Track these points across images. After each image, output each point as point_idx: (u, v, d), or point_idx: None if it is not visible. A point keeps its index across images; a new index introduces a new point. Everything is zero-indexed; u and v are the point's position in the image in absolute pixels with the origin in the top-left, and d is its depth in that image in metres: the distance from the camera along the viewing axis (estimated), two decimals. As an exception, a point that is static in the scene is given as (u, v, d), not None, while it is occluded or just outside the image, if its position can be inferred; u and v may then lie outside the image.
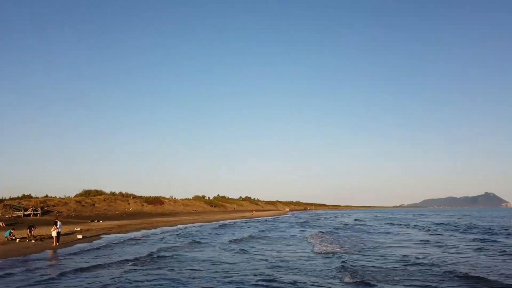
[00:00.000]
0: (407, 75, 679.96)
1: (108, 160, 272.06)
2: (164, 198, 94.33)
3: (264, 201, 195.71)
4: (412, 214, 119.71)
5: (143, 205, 77.44)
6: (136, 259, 17.22)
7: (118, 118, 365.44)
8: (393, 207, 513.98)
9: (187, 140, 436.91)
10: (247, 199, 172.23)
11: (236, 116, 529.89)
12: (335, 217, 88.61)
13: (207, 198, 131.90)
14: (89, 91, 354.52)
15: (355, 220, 66.67)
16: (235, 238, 28.15)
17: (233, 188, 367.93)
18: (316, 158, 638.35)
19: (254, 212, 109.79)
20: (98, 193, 73.59)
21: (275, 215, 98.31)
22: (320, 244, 23.69)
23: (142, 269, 14.91)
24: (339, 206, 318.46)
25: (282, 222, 59.56)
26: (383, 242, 26.47)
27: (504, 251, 20.63)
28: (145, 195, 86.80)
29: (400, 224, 51.93)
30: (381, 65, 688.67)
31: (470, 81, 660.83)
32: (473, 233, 35.12)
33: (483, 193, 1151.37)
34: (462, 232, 35.97)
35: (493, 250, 21.12)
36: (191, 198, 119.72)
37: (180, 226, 44.17)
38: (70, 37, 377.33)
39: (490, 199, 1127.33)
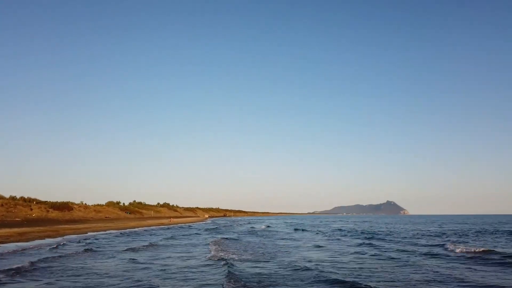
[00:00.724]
0: (325, 81, 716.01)
1: (9, 160, 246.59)
2: (73, 203, 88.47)
3: (183, 207, 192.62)
4: (319, 221, 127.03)
5: (48, 211, 71.77)
6: (12, 270, 15.71)
7: (21, 114, 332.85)
8: (307, 213, 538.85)
9: (102, 142, 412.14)
10: (166, 205, 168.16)
11: (155, 119, 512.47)
12: (249, 223, 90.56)
13: (122, 204, 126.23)
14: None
15: (267, 226, 69.02)
16: (133, 246, 27.21)
17: (151, 194, 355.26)
18: (238, 164, 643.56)
19: (172, 219, 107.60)
20: (-5, 197, 66.80)
21: (194, 222, 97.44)
22: (218, 251, 23.85)
23: (14, 282, 13.64)
24: (258, 212, 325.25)
25: (195, 228, 59.46)
26: (283, 247, 27.54)
27: (376, 254, 22.75)
28: (52, 200, 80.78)
29: (306, 230, 55.01)
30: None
31: (376, 98, 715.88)
32: (364, 238, 38.18)
33: (385, 201, 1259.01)
34: (355, 237, 38.94)
35: (370, 253, 23.01)
36: (104, 204, 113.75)
37: (90, 233, 41.94)
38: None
39: (391, 207, 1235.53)
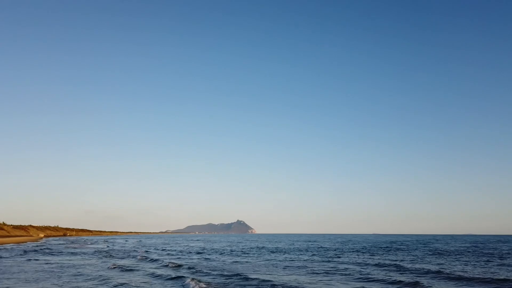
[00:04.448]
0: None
1: None
2: None
3: (12, 225, 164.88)
4: (161, 240, 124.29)
5: None
6: None
7: None
8: (159, 232, 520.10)
9: None
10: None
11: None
12: (72, 242, 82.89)
13: None
14: None
15: (74, 247, 63.34)
16: None
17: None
18: (84, 181, 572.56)
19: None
20: None
21: (23, 242, 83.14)
22: None
23: None
24: (105, 232, 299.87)
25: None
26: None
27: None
28: None
29: (112, 252, 52.00)
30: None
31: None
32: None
33: (235, 220, 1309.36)
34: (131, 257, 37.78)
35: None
36: None
37: None
38: None
39: (240, 226, 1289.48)
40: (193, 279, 18.30)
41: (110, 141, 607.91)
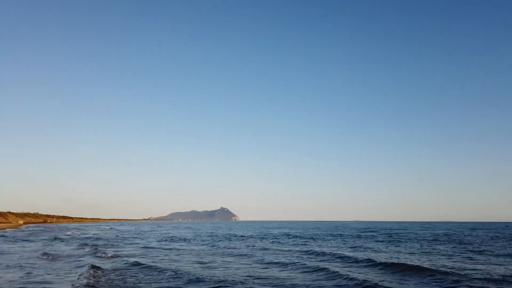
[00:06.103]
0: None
1: None
2: None
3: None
4: (109, 227, 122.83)
5: None
6: None
7: None
8: (142, 219, 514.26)
9: None
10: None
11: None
12: (43, 230, 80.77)
13: None
14: None
15: (30, 234, 61.61)
16: None
17: None
18: (64, 167, 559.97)
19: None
20: None
21: (0, 229, 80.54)
22: None
23: None
24: (86, 219, 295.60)
25: None
26: None
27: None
28: None
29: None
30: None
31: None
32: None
33: (219, 208, 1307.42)
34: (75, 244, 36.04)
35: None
36: None
37: None
38: None
39: (224, 213, 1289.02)
40: (97, 267, 17.46)
41: (93, 129, 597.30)
